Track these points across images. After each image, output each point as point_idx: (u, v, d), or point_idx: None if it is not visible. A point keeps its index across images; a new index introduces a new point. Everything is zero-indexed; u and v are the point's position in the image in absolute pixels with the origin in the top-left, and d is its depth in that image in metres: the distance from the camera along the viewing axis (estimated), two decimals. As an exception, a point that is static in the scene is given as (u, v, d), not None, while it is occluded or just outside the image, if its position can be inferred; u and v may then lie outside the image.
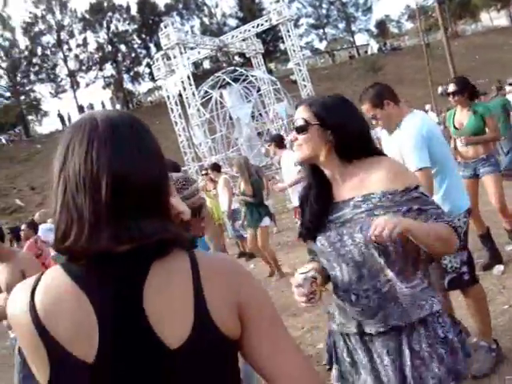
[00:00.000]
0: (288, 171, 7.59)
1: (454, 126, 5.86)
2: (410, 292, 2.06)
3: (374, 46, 59.92)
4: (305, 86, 29.63)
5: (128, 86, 60.76)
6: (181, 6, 60.84)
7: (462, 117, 5.75)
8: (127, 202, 1.07)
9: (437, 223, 2.01)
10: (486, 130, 5.68)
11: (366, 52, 59.25)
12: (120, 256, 1.06)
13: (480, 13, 67.18)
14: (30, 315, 1.06)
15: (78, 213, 1.06)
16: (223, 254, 1.55)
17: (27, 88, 56.93)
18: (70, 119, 50.95)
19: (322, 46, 69.46)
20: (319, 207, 2.17)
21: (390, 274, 2.05)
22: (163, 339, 1.05)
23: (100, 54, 58.16)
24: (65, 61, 57.62)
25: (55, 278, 1.10)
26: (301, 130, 2.12)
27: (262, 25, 29.55)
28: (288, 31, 29.22)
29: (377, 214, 1.98)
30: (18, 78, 55.37)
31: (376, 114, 3.59)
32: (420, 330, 2.05)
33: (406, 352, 2.04)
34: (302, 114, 2.13)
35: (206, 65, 58.36)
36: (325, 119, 2.08)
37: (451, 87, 5.73)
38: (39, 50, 56.52)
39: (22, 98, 56.26)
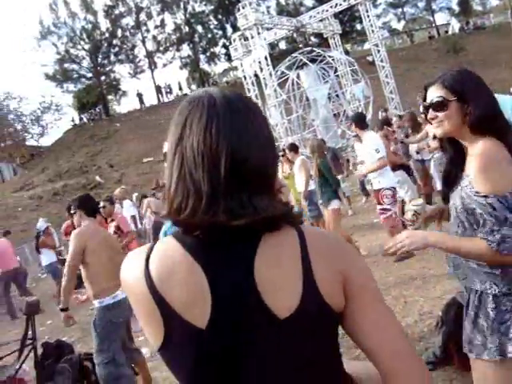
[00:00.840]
0: (369, 153, 7.37)
1: None
2: (470, 266, 2.22)
3: (455, 26, 57.70)
4: (383, 67, 29.02)
5: (204, 66, 61.46)
6: (258, -15, 60.74)
7: None
8: (242, 180, 1.11)
9: (469, 241, 2.12)
10: None
11: (447, 32, 57.11)
12: (233, 229, 1.09)
13: None
14: (146, 283, 1.12)
15: (196, 186, 1.10)
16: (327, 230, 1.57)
17: (107, 69, 58.58)
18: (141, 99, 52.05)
19: (399, 26, 67.70)
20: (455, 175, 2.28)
21: None
22: (273, 309, 1.09)
23: (177, 34, 58.97)
24: (143, 42, 58.84)
25: (168, 247, 1.15)
26: (440, 107, 2.20)
27: (340, 5, 29.12)
28: (366, 11, 28.66)
29: (463, 195, 2.14)
30: (99, 59, 57.03)
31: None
32: (474, 296, 2.22)
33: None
34: (437, 93, 2.21)
35: (282, 45, 58.10)
36: (461, 93, 2.16)
37: None
38: (119, 32, 57.90)
39: (103, 78, 57.97)
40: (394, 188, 7.56)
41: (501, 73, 34.32)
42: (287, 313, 1.09)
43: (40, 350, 6.08)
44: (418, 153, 9.65)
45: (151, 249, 1.16)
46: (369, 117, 23.48)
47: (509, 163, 2.07)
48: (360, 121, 7.74)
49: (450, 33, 56.00)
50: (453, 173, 2.29)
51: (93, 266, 4.69)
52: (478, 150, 2.11)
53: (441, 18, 78.13)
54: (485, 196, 2.03)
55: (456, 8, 66.62)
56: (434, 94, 2.22)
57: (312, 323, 1.11)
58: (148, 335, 1.17)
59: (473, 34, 51.25)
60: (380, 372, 1.15)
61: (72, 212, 5.14)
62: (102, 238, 4.94)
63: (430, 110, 2.23)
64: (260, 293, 1.09)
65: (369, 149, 7.35)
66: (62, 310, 4.81)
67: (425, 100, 2.29)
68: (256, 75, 27.92)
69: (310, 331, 1.11)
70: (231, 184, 1.10)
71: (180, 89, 56.06)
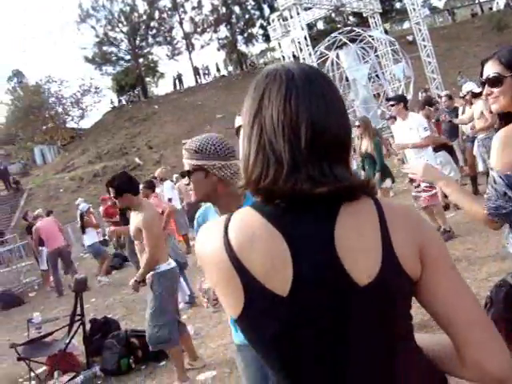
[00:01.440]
0: (415, 132, 7.28)
1: None
2: None
3: (500, 2, 55.95)
4: (424, 46, 28.52)
5: (241, 47, 61.26)
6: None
7: None
8: (322, 149, 1.13)
9: (471, 201, 2.34)
10: None
11: (491, 9, 55.45)
12: (314, 197, 1.11)
13: None
14: (225, 251, 1.13)
15: (276, 155, 1.13)
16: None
17: (145, 51, 58.81)
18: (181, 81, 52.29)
19: (440, 4, 66.11)
20: None
21: None
22: (353, 276, 1.10)
23: (214, 16, 58.71)
24: (180, 24, 58.82)
25: (247, 216, 1.17)
26: (495, 83, 2.23)
27: (381, -18, 28.57)
28: (409, -12, 28.08)
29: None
30: (137, 42, 57.25)
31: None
32: None
33: None
34: (493, 69, 2.24)
35: (320, 26, 57.40)
36: None
37: None
38: (156, 14, 57.89)
39: (141, 60, 58.27)
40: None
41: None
42: (367, 280, 1.10)
43: (88, 326, 6.28)
44: (471, 129, 9.30)
45: (229, 219, 1.18)
46: (409, 97, 23.15)
47: None
48: (406, 101, 7.74)
49: (494, 9, 54.37)
50: None
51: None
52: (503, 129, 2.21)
53: (484, -5, 75.92)
54: (491, 168, 2.19)
55: (501, -16, 64.76)
56: (490, 69, 2.24)
57: (391, 291, 1.13)
58: (226, 305, 1.19)
59: (519, 11, 49.72)
60: (455, 342, 1.17)
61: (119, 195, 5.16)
62: (156, 213, 5.28)
63: (486, 86, 2.27)
64: (341, 260, 1.11)
65: (415, 128, 7.28)
66: (137, 281, 5.03)
67: (481, 76, 2.31)
68: (294, 56, 27.73)
69: (390, 299, 1.13)
70: (312, 153, 1.12)
71: (218, 70, 56.08)
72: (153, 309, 4.88)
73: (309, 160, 1.12)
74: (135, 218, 4.97)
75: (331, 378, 1.14)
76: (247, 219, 1.16)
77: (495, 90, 2.23)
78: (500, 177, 2.10)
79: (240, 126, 1.29)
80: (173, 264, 5.10)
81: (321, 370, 1.14)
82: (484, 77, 2.27)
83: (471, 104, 9.17)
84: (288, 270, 1.10)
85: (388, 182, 8.07)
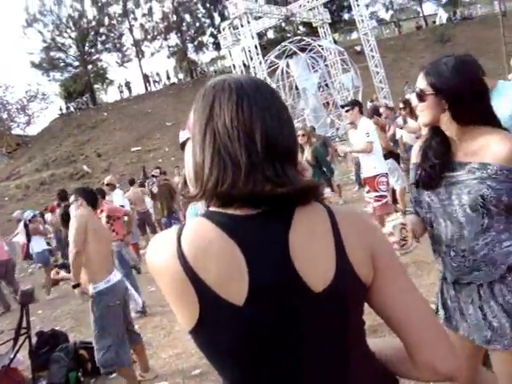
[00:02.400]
0: (362, 138, 7.41)
1: None
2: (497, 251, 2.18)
3: (442, 16, 57.56)
4: (372, 56, 29.08)
5: (192, 55, 61.09)
6: (246, -26, 60.37)
7: None
8: (275, 154, 1.15)
9: None
10: None
11: (435, 22, 57.11)
12: (272, 200, 1.13)
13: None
14: (179, 262, 1.10)
15: (232, 159, 1.13)
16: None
17: (94, 57, 57.93)
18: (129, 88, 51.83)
19: (387, 16, 67.65)
20: (438, 163, 2.29)
21: (491, 235, 2.17)
22: (308, 283, 1.11)
23: (165, 23, 58.38)
24: (130, 30, 58.20)
25: (200, 226, 1.15)
26: (420, 98, 2.26)
27: (330, -7, 29.04)
28: (356, 0, 28.63)
29: (489, 184, 2.10)
30: (86, 48, 56.31)
31: None
32: (501, 284, 2.18)
33: (491, 303, 2.19)
34: (419, 83, 2.27)
35: (270, 35, 57.88)
36: (440, 89, 2.18)
37: None
38: (106, 20, 57.17)
39: (90, 67, 57.36)
40: (387, 174, 7.64)
41: (487, 63, 34.50)
42: (322, 286, 1.12)
43: (34, 339, 6.09)
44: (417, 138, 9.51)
45: (181, 229, 1.15)
46: (358, 106, 23.57)
47: None
48: (361, 105, 7.79)
49: (437, 23, 56.01)
50: (438, 165, 2.30)
51: (87, 252, 4.77)
52: (496, 136, 2.15)
53: (428, 9, 78.35)
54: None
55: (443, -2, 66.82)
56: (418, 83, 2.28)
57: (346, 297, 1.15)
58: (180, 317, 1.17)
59: (460, 25, 51.34)
60: (407, 344, 1.20)
61: (72, 200, 5.13)
62: (98, 225, 5.13)
63: (416, 99, 2.31)
64: (295, 267, 1.11)
65: (362, 133, 7.40)
66: (74, 286, 4.85)
67: None
68: (245, 64, 27.88)
69: (344, 304, 1.15)
70: (267, 155, 1.14)
71: (168, 78, 55.68)
72: (96, 331, 4.74)
73: (264, 162, 1.13)
74: None
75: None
76: (200, 229, 1.15)
77: (420, 104, 2.27)
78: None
79: (186, 140, 1.28)
80: (113, 280, 4.87)
81: (277, 377, 1.14)
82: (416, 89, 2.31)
83: (412, 114, 9.40)
84: (244, 278, 1.10)
85: (327, 192, 8.13)
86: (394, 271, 1.21)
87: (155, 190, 12.83)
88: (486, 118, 2.20)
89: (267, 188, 1.11)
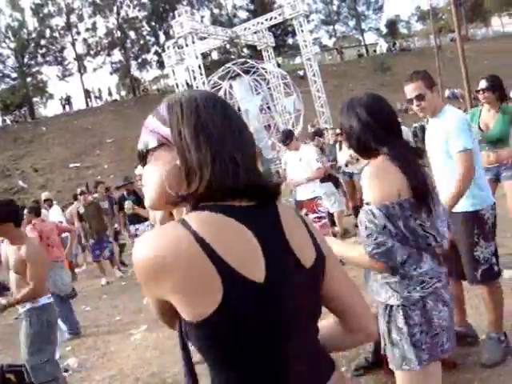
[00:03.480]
0: (308, 164, 7.54)
1: (479, 127, 5.57)
2: (375, 278, 2.41)
3: (383, 46, 59.62)
4: (315, 81, 29.60)
5: (135, 72, 60.65)
6: (192, -5, 60.63)
7: (489, 118, 5.49)
8: (254, 154, 1.33)
9: (353, 249, 2.38)
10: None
11: (375, 51, 59.05)
12: (268, 191, 1.30)
13: (491, 18, 67.15)
14: (199, 246, 1.13)
15: (230, 157, 1.23)
16: None
17: (34, 70, 56.64)
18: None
19: (330, 42, 69.37)
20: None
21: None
22: (302, 261, 1.29)
23: (109, 39, 57.90)
24: (73, 44, 57.33)
25: (206, 215, 1.21)
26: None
27: (275, 18, 29.56)
28: (300, 25, 29.21)
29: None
30: (26, 59, 55.08)
31: (425, 94, 3.66)
32: (384, 310, 2.39)
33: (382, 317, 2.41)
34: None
35: (215, 56, 58.23)
36: (342, 126, 2.50)
37: (482, 83, 5.53)
38: (48, 32, 56.15)
39: (29, 79, 56.06)
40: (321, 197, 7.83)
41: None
42: (310, 264, 1.31)
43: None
44: (346, 165, 9.73)
45: (184, 220, 1.19)
46: (299, 129, 23.92)
47: (394, 177, 2.23)
48: (292, 134, 8.03)
49: (378, 52, 57.89)
50: None
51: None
52: (367, 167, 2.35)
53: (370, 38, 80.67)
54: (367, 203, 2.25)
55: (384, 29, 69.16)
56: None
57: (321, 271, 1.36)
58: (194, 308, 1.14)
59: (399, 55, 53.25)
60: (344, 318, 1.46)
61: None
62: (38, 244, 5.08)
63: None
64: (293, 249, 1.28)
65: (305, 159, 7.53)
66: (4, 305, 4.69)
67: None
68: (188, 84, 27.86)
69: (320, 277, 1.36)
70: (252, 154, 1.31)
71: (109, 94, 55.01)
72: (31, 348, 4.56)
73: (252, 159, 1.30)
74: (15, 251, 4.64)
75: (294, 351, 1.26)
76: (209, 216, 1.20)
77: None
78: (378, 209, 2.18)
79: (151, 149, 1.30)
80: (51, 298, 4.82)
81: (290, 346, 1.25)
82: None
83: None
84: (259, 257, 1.19)
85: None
86: (334, 259, 1.44)
87: (81, 210, 11.49)
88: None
89: (261, 180, 1.28)
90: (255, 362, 1.20)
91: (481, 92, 5.52)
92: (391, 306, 2.33)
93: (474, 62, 39.24)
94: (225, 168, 1.21)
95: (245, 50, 54.48)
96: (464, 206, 3.72)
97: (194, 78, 25.85)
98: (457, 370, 3.84)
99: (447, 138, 3.62)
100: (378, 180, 2.25)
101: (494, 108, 5.48)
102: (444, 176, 3.75)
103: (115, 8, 57.30)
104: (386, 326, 2.35)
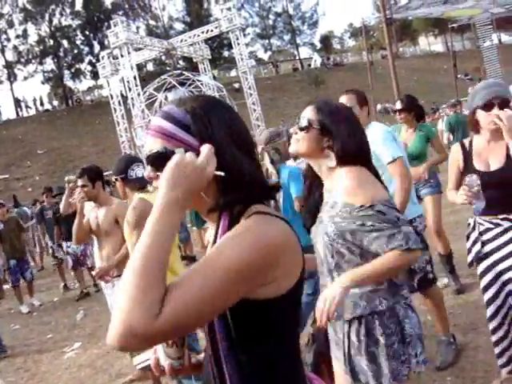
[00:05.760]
0: None
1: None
2: (356, 291, 2.26)
3: (317, 60, 60.88)
4: (250, 94, 29.86)
5: (68, 82, 59.33)
6: (127, 6, 60.05)
7: (407, 136, 5.65)
8: None
9: (379, 259, 2.14)
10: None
11: (310, 65, 60.18)
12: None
13: (419, 37, 70.00)
14: (292, 235, 1.31)
15: (254, 159, 1.38)
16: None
17: (-41, 76, 54.64)
18: None
19: (265, 56, 70.18)
20: (316, 201, 2.42)
21: (336, 276, 2.27)
22: None
23: (41, 47, 56.46)
24: (2, 51, 55.61)
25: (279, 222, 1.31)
26: (302, 128, 2.32)
27: (211, 31, 29.66)
28: (237, 39, 29.42)
29: (335, 221, 2.20)
30: (-49, 66, 53.07)
31: (354, 107, 3.73)
32: (358, 326, 2.26)
33: (345, 341, 2.30)
34: (308, 114, 2.33)
35: (150, 67, 57.77)
36: (327, 127, 2.27)
37: (398, 104, 5.70)
38: (-26, 38, 54.36)
39: (-46, 86, 53.99)
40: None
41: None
42: None
43: None
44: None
45: (268, 215, 1.29)
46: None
47: (371, 177, 2.25)
48: None
49: (312, 66, 59.00)
50: (313, 205, 2.43)
51: None
52: (344, 172, 2.22)
53: (304, 52, 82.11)
54: (371, 206, 2.11)
55: (318, 44, 70.62)
56: (306, 114, 2.38)
57: None
58: (289, 282, 1.29)
59: (332, 70, 54.51)
60: None
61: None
62: None
63: (296, 127, 2.41)
64: None
65: None
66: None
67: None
68: (123, 95, 27.53)
69: None
70: None
71: (41, 104, 53.59)
72: None
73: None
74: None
75: None
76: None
77: (300, 133, 2.36)
78: (384, 205, 2.12)
79: (169, 153, 1.29)
80: None
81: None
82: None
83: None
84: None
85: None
86: None
87: (0, 227, 9.84)
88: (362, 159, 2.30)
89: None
90: (292, 340, 1.38)
91: (398, 113, 5.72)
92: (366, 319, 2.25)
93: (404, 79, 40.69)
94: (258, 169, 1.38)
95: (181, 61, 54.35)
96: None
97: (129, 89, 25.59)
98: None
99: (376, 152, 3.77)
100: (364, 181, 2.20)
101: (412, 127, 5.66)
102: None
103: (47, 15, 55.96)
104: (362, 342, 2.25)
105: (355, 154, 2.24)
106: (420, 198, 5.61)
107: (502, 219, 3.20)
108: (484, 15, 25.87)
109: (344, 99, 3.88)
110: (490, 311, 3.36)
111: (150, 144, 1.32)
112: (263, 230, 1.22)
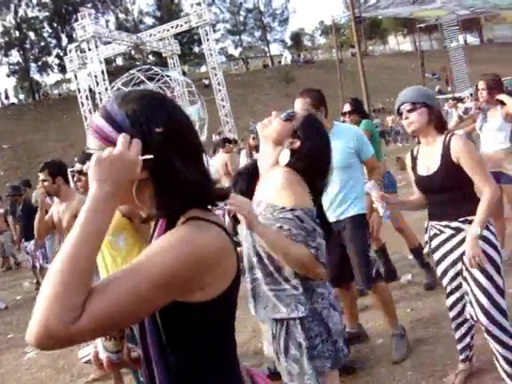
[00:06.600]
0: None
1: None
2: (273, 294, 2.32)
3: (287, 57, 61.02)
4: (219, 90, 29.79)
5: (35, 75, 58.30)
6: (97, -2, 59.19)
7: None
8: None
9: (296, 244, 2.15)
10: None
11: (280, 62, 60.26)
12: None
13: (388, 36, 70.76)
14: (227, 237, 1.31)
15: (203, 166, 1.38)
16: None
17: None
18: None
19: (236, 52, 70.10)
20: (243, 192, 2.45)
21: (258, 273, 2.35)
22: None
23: (6, 39, 55.22)
24: (-35, 42, 54.41)
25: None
26: (285, 118, 2.42)
27: (181, 26, 29.50)
28: (207, 35, 29.30)
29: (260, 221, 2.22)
30: None
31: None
32: (280, 327, 2.35)
33: (278, 336, 2.37)
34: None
35: (119, 61, 57.16)
36: (298, 133, 2.37)
37: (348, 107, 5.86)
38: None
39: None
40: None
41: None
42: None
43: None
44: None
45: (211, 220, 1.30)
46: (203, 138, 23.93)
47: (303, 185, 2.27)
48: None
49: (282, 63, 59.09)
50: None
51: None
52: (279, 171, 2.29)
53: (275, 49, 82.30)
54: (292, 209, 2.15)
55: (289, 41, 70.80)
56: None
57: None
58: (223, 284, 1.29)
59: (303, 67, 54.67)
60: None
61: None
62: None
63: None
64: None
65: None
66: None
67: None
68: (91, 89, 27.19)
69: None
70: None
71: (6, 97, 52.57)
72: None
73: None
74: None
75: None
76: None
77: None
78: (305, 212, 2.15)
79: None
80: None
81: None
82: None
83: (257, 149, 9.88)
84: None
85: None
86: None
87: None
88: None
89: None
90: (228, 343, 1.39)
91: (347, 115, 5.86)
92: (288, 322, 2.31)
93: (373, 77, 41.09)
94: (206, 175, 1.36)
95: (150, 56, 53.92)
96: (355, 209, 3.98)
97: (97, 84, 25.28)
98: (355, 374, 4.01)
99: (351, 150, 3.95)
100: (296, 185, 2.23)
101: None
102: (337, 185, 3.97)
103: (13, 6, 54.77)
104: (284, 343, 2.33)
105: (310, 170, 2.31)
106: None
107: (444, 226, 3.25)
108: (450, 16, 26.24)
109: (298, 102, 3.92)
110: (452, 314, 3.45)
111: (90, 141, 1.30)
112: (195, 239, 1.21)
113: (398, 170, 11.90)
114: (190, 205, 1.29)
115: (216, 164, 8.61)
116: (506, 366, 3.16)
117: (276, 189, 2.21)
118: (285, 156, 2.31)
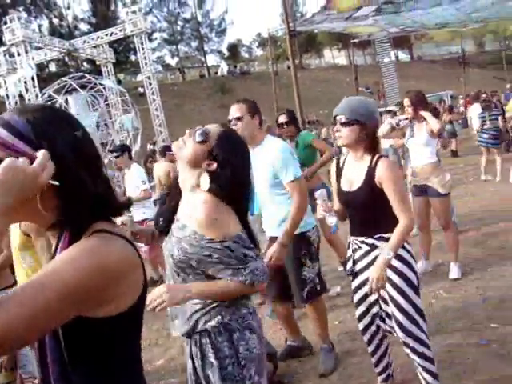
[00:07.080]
0: (135, 186, 7.47)
1: None
2: (196, 307, 2.28)
3: (224, 68, 61.13)
4: (154, 99, 29.53)
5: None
6: (29, 0, 57.46)
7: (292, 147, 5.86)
8: None
9: (221, 284, 2.19)
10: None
11: (217, 73, 60.35)
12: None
13: (324, 50, 72.18)
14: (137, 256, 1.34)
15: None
16: None
17: None
18: None
19: (173, 62, 69.68)
20: (171, 210, 2.43)
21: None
22: None
23: None
24: None
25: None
26: (199, 141, 2.35)
27: (115, 34, 29.05)
28: (142, 43, 29.00)
29: (183, 247, 2.21)
30: None
31: (243, 116, 3.82)
32: (201, 339, 2.28)
33: (194, 355, 2.30)
34: (211, 129, 2.36)
35: (52, 68, 55.62)
36: (215, 155, 2.28)
37: (284, 118, 5.88)
38: None
39: None
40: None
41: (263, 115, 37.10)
42: None
43: None
44: None
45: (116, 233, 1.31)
46: (137, 148, 23.67)
47: (228, 210, 2.24)
48: (130, 150, 7.95)
49: (219, 74, 59.21)
50: (166, 219, 2.43)
51: None
52: (201, 201, 2.22)
53: (212, 60, 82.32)
54: (221, 241, 2.12)
55: (226, 52, 71.00)
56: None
57: None
58: (131, 298, 1.31)
59: (239, 78, 54.95)
60: None
61: None
62: None
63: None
64: None
65: (136, 182, 7.47)
66: None
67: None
68: (21, 95, 26.38)
69: None
70: None
71: None
72: None
73: None
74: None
75: None
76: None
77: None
78: (234, 242, 2.13)
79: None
80: None
81: None
82: None
83: None
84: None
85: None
86: None
87: None
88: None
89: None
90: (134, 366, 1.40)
91: (285, 126, 5.85)
92: (201, 339, 2.26)
93: (308, 89, 41.86)
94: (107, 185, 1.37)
95: (85, 64, 52.84)
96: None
97: (27, 90, 24.56)
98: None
99: (274, 171, 3.82)
100: (220, 214, 2.18)
101: (293, 141, 5.93)
102: (269, 204, 4.00)
103: None
104: (200, 364, 2.26)
105: (232, 195, 2.25)
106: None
107: (361, 242, 3.30)
108: (382, 33, 27.11)
109: (233, 109, 3.89)
110: (361, 326, 3.50)
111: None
112: (99, 251, 1.19)
113: (329, 181, 12.07)
114: (96, 217, 1.27)
115: (158, 173, 8.40)
116: (427, 377, 3.23)
117: (199, 224, 2.16)
118: (205, 181, 2.24)
